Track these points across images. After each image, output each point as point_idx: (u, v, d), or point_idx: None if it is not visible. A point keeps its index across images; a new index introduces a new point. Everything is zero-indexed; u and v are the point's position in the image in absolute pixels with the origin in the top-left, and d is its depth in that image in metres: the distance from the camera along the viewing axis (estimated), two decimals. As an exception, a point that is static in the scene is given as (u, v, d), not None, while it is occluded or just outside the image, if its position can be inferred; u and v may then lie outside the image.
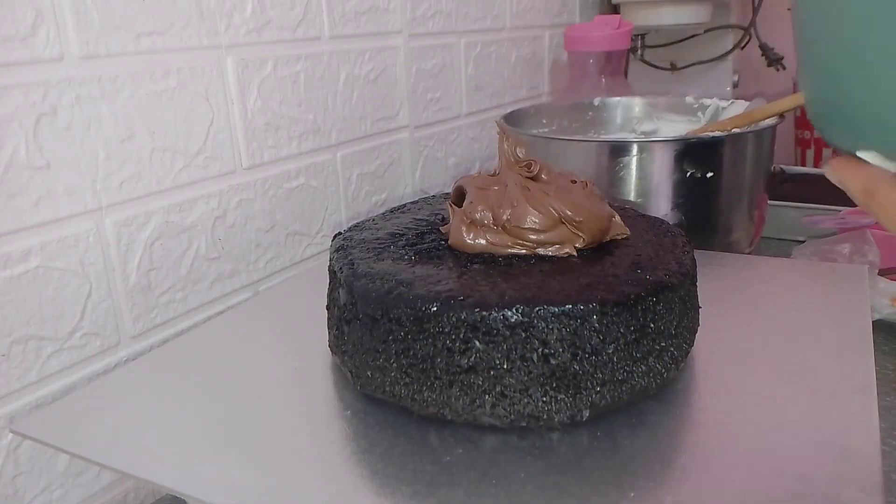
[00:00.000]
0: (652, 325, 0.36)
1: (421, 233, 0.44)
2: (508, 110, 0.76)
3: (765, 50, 1.15)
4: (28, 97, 0.42)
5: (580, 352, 0.34)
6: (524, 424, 0.35)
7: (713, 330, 0.43)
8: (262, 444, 0.35)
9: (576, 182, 0.43)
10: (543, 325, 0.33)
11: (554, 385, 0.34)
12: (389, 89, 0.72)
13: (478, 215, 0.40)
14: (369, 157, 0.70)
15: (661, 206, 0.62)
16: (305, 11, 0.61)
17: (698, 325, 0.41)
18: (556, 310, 0.33)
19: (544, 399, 0.34)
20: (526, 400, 0.34)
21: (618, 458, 0.33)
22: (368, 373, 0.37)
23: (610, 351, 0.34)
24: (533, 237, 0.39)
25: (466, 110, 0.85)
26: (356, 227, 0.46)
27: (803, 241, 0.68)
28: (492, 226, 0.40)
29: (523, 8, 0.94)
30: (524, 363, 0.34)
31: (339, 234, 0.46)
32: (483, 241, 0.40)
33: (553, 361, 0.34)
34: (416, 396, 0.36)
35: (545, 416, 0.34)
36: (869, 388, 0.37)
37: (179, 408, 0.39)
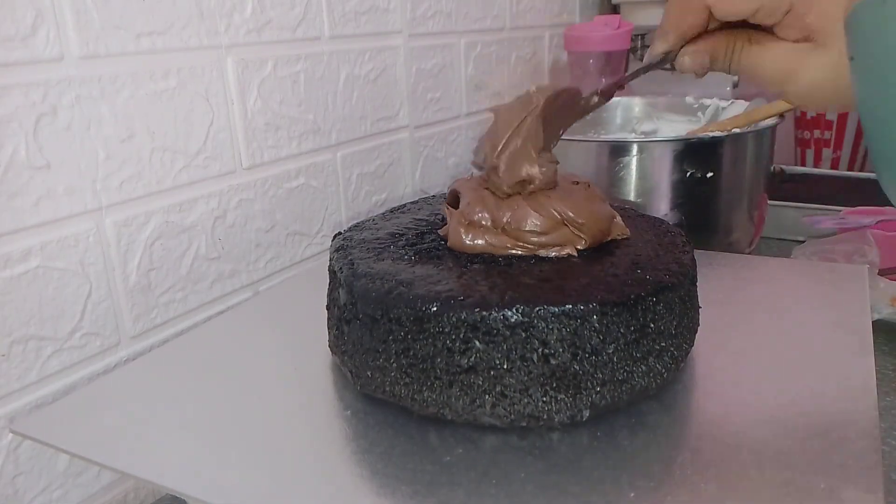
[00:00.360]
0: (652, 325, 0.36)
1: (421, 233, 0.44)
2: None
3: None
4: (28, 97, 0.42)
5: (580, 352, 0.34)
6: (524, 424, 0.35)
7: (713, 330, 0.43)
8: (262, 444, 0.35)
9: (577, 183, 0.43)
10: (543, 325, 0.33)
11: (554, 385, 0.34)
12: (389, 89, 0.72)
13: (476, 216, 0.40)
14: (369, 157, 0.70)
15: (661, 206, 0.62)
16: (305, 11, 0.61)
17: (698, 325, 0.41)
18: (556, 310, 0.33)
19: (544, 399, 0.34)
20: (526, 400, 0.34)
21: (618, 458, 0.33)
22: (368, 373, 0.37)
23: (610, 351, 0.34)
24: (534, 239, 0.39)
25: (466, 110, 0.85)
26: (356, 227, 0.46)
27: (803, 241, 0.68)
28: (491, 227, 0.40)
29: (523, 8, 0.94)
30: (524, 363, 0.34)
31: (339, 234, 0.46)
32: (482, 242, 0.40)
33: (553, 361, 0.34)
34: (416, 396, 0.36)
35: (545, 416, 0.34)
36: (869, 388, 0.37)
37: (179, 408, 0.39)
